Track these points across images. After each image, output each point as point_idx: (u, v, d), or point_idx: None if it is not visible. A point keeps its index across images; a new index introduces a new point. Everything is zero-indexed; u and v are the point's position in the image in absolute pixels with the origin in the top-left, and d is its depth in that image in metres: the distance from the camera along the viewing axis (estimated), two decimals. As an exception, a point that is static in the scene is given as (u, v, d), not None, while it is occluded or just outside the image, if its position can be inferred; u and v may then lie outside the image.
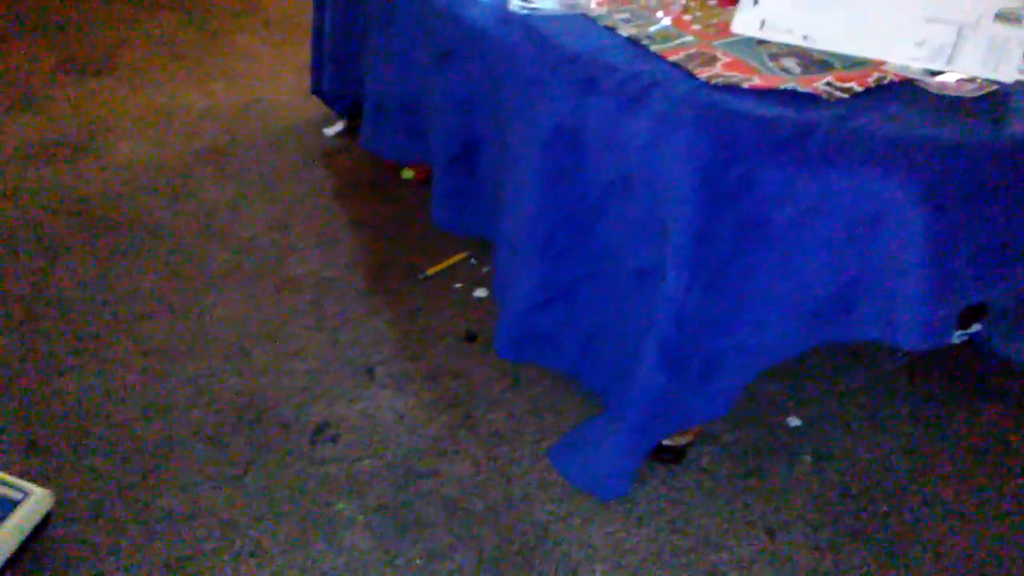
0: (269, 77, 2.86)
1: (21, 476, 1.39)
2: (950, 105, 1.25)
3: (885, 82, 1.29)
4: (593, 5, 1.52)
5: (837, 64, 1.33)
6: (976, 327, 1.71)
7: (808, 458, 1.56)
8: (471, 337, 1.79)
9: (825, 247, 1.22)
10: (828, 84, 1.27)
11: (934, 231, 1.14)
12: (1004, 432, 1.62)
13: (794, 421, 1.63)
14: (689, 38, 1.40)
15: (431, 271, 1.97)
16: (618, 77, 1.30)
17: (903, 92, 1.28)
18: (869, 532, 1.43)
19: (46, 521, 1.36)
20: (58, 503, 1.39)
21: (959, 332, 1.71)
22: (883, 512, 1.46)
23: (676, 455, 1.53)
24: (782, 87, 1.25)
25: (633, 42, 1.39)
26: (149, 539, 1.37)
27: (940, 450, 1.58)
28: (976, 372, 1.74)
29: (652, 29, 1.43)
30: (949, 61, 1.30)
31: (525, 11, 1.48)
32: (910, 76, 1.30)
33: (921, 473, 1.54)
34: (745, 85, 1.26)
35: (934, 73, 1.31)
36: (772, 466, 1.54)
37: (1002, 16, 1.27)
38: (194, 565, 1.33)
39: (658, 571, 1.36)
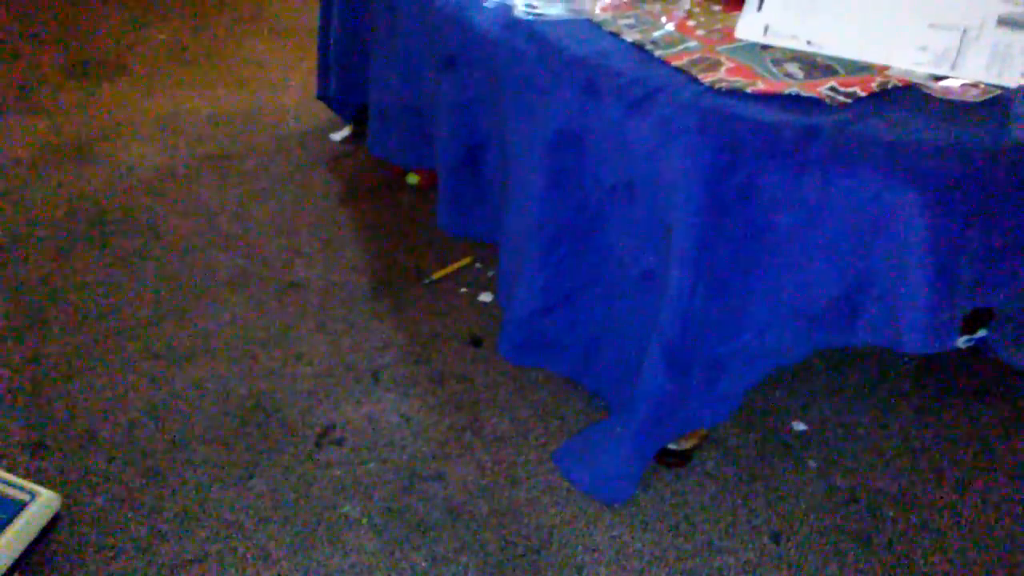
0: (276, 83, 2.87)
1: (28, 478, 1.40)
2: (954, 110, 1.25)
3: (889, 87, 1.29)
4: (597, 11, 1.52)
5: (841, 69, 1.33)
6: (982, 332, 1.70)
7: (813, 463, 1.56)
8: (476, 341, 1.79)
9: (828, 251, 1.22)
10: (831, 89, 1.27)
11: (937, 235, 1.14)
12: (1010, 438, 1.62)
13: (800, 426, 1.63)
14: (693, 43, 1.41)
15: (436, 275, 1.98)
16: (622, 82, 1.31)
17: (907, 97, 1.28)
18: (874, 537, 1.43)
19: (53, 523, 1.36)
20: (65, 505, 1.40)
21: (965, 337, 1.70)
22: (888, 517, 1.46)
23: (681, 459, 1.53)
24: (786, 92, 1.26)
25: (637, 47, 1.40)
26: (155, 541, 1.37)
27: (946, 455, 1.58)
28: (982, 377, 1.74)
29: (656, 34, 1.43)
30: (953, 66, 1.30)
31: (530, 16, 1.49)
32: (914, 81, 1.30)
33: (927, 478, 1.53)
34: (749, 90, 1.26)
35: (938, 78, 1.31)
36: (777, 470, 1.54)
37: (1005, 21, 1.27)
38: (200, 567, 1.34)
39: (662, 574, 1.36)
